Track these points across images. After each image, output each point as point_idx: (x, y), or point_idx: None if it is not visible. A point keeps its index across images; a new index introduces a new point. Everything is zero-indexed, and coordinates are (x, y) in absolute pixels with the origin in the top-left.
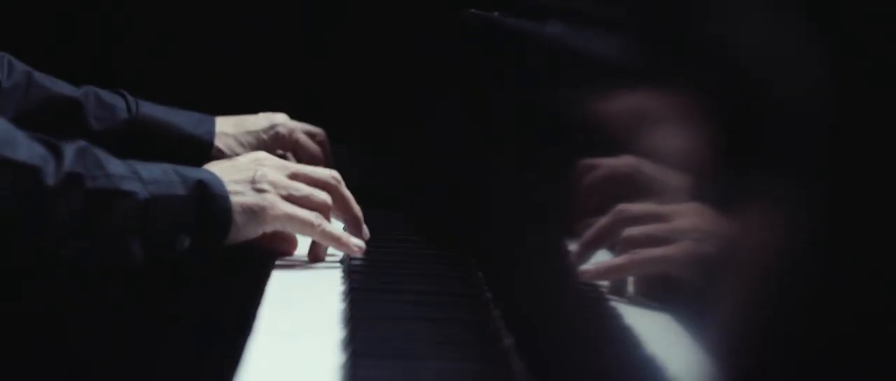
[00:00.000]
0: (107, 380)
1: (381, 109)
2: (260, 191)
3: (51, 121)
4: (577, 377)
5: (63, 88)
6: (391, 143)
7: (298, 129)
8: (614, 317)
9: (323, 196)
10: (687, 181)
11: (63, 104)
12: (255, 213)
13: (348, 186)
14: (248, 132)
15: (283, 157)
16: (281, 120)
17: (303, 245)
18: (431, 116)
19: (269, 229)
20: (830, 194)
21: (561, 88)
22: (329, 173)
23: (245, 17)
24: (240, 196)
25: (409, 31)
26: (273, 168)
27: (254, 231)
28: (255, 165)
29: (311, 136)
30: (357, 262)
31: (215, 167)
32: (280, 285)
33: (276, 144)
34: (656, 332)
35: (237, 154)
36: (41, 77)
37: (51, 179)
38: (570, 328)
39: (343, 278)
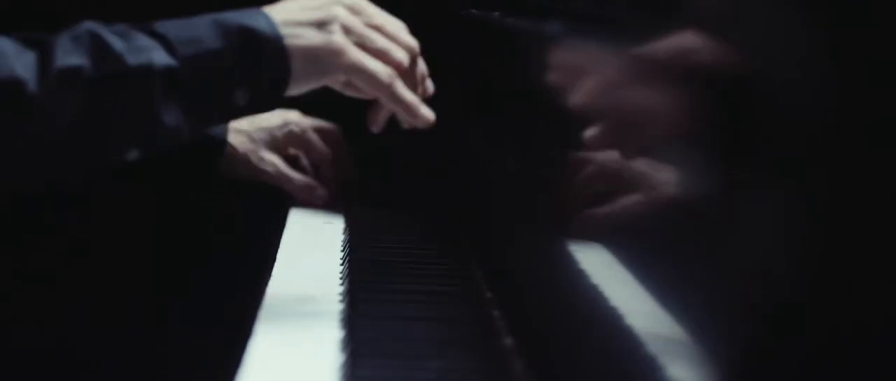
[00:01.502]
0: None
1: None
2: (328, 32)
3: None
4: (577, 375)
5: None
6: (390, 141)
7: (310, 127)
8: (615, 316)
9: (401, 54)
10: (684, 179)
11: None
12: (321, 57)
13: (349, 183)
14: (262, 128)
15: (295, 157)
16: (293, 117)
17: (302, 249)
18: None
19: (338, 76)
20: (827, 192)
21: (560, 87)
22: (409, 39)
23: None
24: (300, 39)
25: (413, 23)
26: (347, 10)
27: (319, 78)
28: (328, 4)
29: (323, 133)
30: (355, 259)
31: (279, 6)
32: (280, 284)
33: (288, 142)
34: (656, 330)
35: (251, 151)
36: None
37: (34, 87)
38: (571, 326)
39: (342, 278)
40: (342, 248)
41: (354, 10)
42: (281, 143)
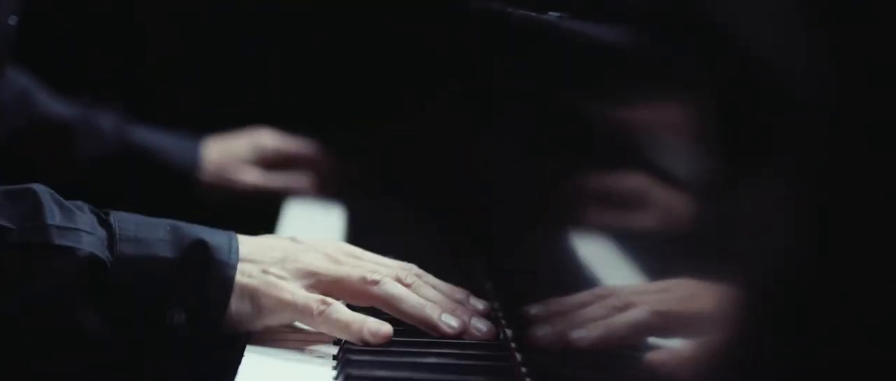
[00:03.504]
0: None
1: (384, 102)
2: (266, 273)
3: (41, 143)
4: (578, 373)
5: (57, 109)
6: (392, 136)
7: (281, 144)
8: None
9: (361, 267)
10: (689, 181)
11: (53, 127)
12: (252, 299)
13: (348, 181)
14: (234, 157)
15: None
16: (265, 139)
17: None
18: (434, 110)
19: (268, 321)
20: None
21: (568, 82)
22: (398, 265)
23: (245, 8)
24: (247, 277)
25: (413, 23)
26: (319, 253)
27: (249, 322)
28: (300, 250)
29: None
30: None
31: (248, 241)
32: None
33: (264, 164)
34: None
35: (226, 181)
36: (39, 93)
37: None
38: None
39: None
40: None
41: (319, 252)
42: (257, 159)
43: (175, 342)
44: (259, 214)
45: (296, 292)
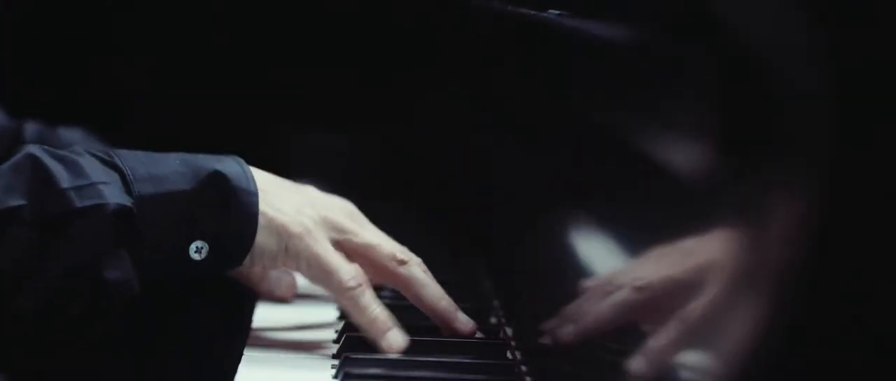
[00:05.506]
0: None
1: (383, 101)
2: (299, 213)
3: None
4: (577, 370)
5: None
6: (392, 135)
7: None
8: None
9: (386, 252)
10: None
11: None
12: (280, 235)
13: (347, 179)
14: None
15: None
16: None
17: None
18: (434, 109)
19: (289, 265)
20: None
21: (567, 79)
22: (406, 254)
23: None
24: (272, 208)
25: (412, 19)
26: (339, 209)
27: (271, 260)
28: (314, 194)
29: None
30: None
31: (263, 173)
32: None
33: None
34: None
35: None
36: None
37: None
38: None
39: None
40: None
41: (345, 212)
42: None
43: (198, 278)
44: None
45: (328, 248)
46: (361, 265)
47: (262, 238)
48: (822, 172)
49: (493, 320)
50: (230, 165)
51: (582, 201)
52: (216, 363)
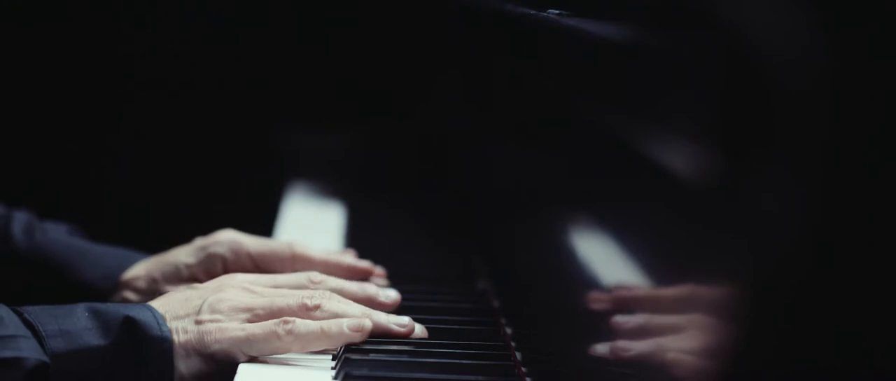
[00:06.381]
0: None
1: (383, 101)
2: (200, 323)
3: None
4: (577, 369)
5: None
6: (392, 135)
7: (252, 246)
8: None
9: (291, 295)
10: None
11: None
12: (199, 353)
13: (346, 178)
14: (167, 263)
15: None
16: (222, 237)
17: None
18: (434, 109)
19: (224, 364)
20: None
21: (562, 75)
22: (304, 276)
23: (244, 7)
24: (182, 334)
25: (407, 19)
26: (234, 289)
27: (207, 373)
28: (212, 290)
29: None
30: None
31: (158, 301)
32: None
33: (214, 271)
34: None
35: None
36: None
37: None
38: (571, 319)
39: None
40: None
41: (239, 286)
42: (197, 276)
43: None
44: (254, 217)
45: (244, 325)
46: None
47: (186, 367)
48: (820, 172)
49: (493, 319)
50: (136, 309)
51: (583, 201)
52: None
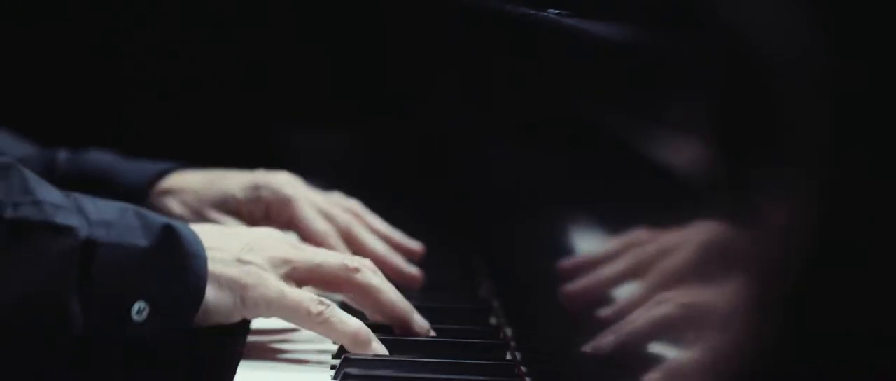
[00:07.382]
0: None
1: (383, 100)
2: (245, 263)
3: None
4: (577, 368)
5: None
6: (391, 134)
7: (303, 199)
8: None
9: (336, 264)
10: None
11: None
12: (233, 290)
13: (345, 176)
14: (217, 189)
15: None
16: (275, 182)
17: None
18: (434, 109)
19: (248, 315)
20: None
21: (562, 75)
22: (355, 260)
23: (243, 7)
24: (219, 263)
25: (407, 19)
26: (276, 241)
27: (227, 315)
28: (250, 235)
29: (328, 214)
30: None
31: (200, 228)
32: None
33: (256, 213)
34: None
35: (204, 219)
36: None
37: None
38: (571, 319)
39: None
40: None
41: (281, 240)
42: (243, 214)
43: (135, 342)
44: None
45: (282, 287)
46: (316, 286)
47: (214, 297)
48: (821, 172)
49: (493, 320)
50: (182, 227)
51: (583, 201)
52: (216, 363)
